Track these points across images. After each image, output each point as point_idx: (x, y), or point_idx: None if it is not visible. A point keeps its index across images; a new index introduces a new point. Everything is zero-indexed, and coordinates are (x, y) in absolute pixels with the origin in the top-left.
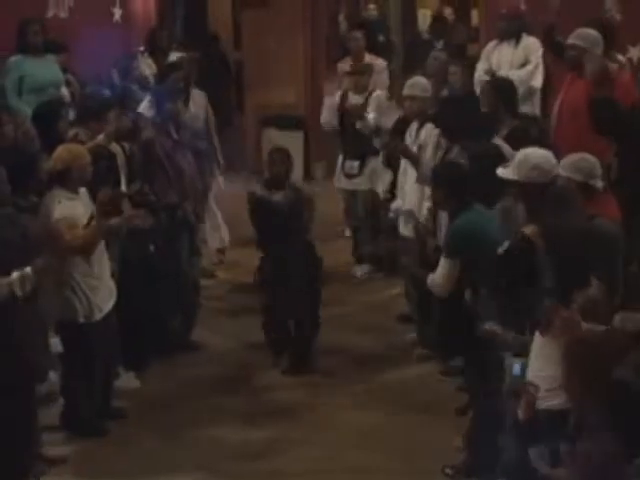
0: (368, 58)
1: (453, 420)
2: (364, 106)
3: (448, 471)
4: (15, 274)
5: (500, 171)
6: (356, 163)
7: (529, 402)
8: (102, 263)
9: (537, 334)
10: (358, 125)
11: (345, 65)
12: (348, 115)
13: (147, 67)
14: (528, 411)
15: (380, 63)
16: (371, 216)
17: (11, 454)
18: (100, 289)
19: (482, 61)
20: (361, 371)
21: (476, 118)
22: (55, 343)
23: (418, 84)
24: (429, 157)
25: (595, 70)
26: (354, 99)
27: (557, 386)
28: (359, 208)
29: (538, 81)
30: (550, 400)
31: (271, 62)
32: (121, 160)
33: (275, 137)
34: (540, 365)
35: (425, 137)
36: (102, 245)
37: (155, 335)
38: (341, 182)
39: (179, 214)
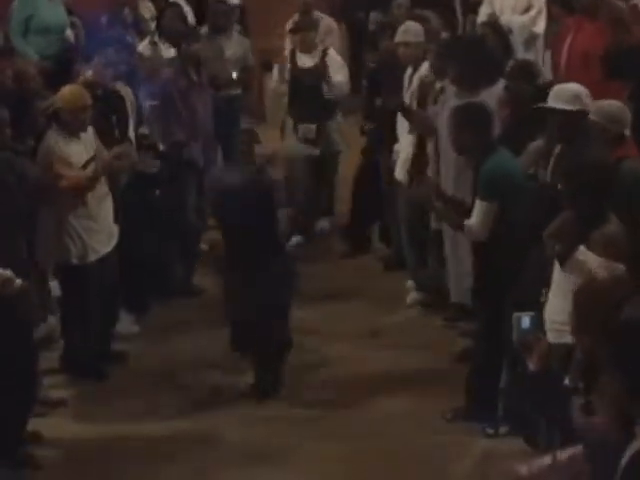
0: (317, 15)
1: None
2: (324, 67)
3: (448, 415)
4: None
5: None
6: (313, 126)
7: (541, 354)
8: (102, 206)
9: (557, 269)
10: (325, 89)
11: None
12: (301, 76)
13: (147, 11)
14: (540, 363)
15: (330, 23)
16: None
17: (12, 398)
18: (97, 231)
19: (485, 5)
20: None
21: (481, 62)
22: (54, 287)
23: (411, 30)
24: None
25: (613, 13)
26: (302, 59)
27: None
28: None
29: (540, 27)
30: (567, 335)
31: (273, 7)
32: (130, 102)
33: None
34: (559, 300)
35: (417, 83)
36: (104, 188)
37: (156, 279)
38: (294, 147)
39: (185, 154)
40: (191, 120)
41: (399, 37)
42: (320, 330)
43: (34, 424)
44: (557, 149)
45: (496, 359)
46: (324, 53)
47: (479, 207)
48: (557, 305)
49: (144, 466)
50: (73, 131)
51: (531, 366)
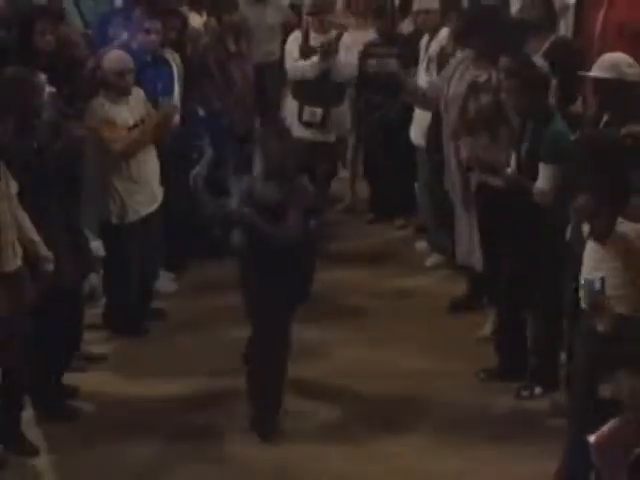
0: None
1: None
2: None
3: (482, 375)
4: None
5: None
6: (319, 110)
7: (611, 316)
8: (145, 167)
9: (592, 246)
10: (334, 72)
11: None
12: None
13: None
14: (610, 324)
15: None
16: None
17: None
18: (137, 192)
19: None
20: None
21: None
22: (98, 246)
23: None
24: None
25: None
26: (316, 39)
27: (615, 294)
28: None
29: None
30: (617, 307)
31: None
32: (177, 68)
33: None
34: (606, 274)
35: (435, 49)
36: (149, 149)
37: (194, 240)
38: (296, 131)
39: (224, 122)
40: (228, 90)
41: (417, 5)
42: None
43: (75, 378)
44: (605, 118)
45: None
46: (338, 36)
47: (545, 171)
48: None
49: (179, 421)
50: (119, 94)
51: (601, 327)
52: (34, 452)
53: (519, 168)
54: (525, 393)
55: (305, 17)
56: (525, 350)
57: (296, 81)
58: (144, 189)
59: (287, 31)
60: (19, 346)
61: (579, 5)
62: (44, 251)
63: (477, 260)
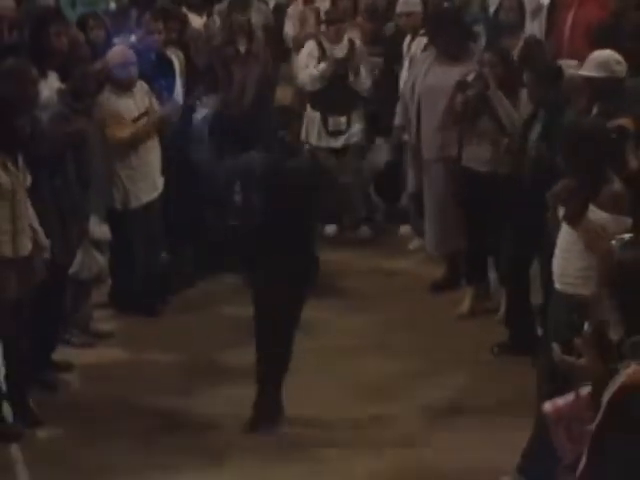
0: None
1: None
2: (354, 59)
3: (495, 350)
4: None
5: (585, 72)
6: (343, 119)
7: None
8: (147, 157)
9: (565, 230)
10: (352, 80)
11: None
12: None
13: None
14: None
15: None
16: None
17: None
18: (140, 180)
19: None
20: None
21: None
22: (105, 230)
23: (410, 1)
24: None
25: None
26: (330, 49)
27: (587, 275)
28: (351, 164)
29: None
30: (583, 288)
31: None
32: (180, 64)
33: None
34: (573, 258)
35: (416, 49)
36: (151, 141)
37: (192, 226)
38: (323, 141)
39: (225, 120)
40: (229, 89)
41: (401, 8)
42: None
43: (83, 354)
44: (594, 111)
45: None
46: (352, 44)
47: None
48: (571, 262)
49: (181, 393)
50: (123, 87)
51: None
52: (39, 423)
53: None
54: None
55: (320, 26)
56: (533, 324)
57: (314, 92)
58: (146, 177)
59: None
60: (21, 322)
61: (552, 5)
62: (44, 240)
63: (451, 245)
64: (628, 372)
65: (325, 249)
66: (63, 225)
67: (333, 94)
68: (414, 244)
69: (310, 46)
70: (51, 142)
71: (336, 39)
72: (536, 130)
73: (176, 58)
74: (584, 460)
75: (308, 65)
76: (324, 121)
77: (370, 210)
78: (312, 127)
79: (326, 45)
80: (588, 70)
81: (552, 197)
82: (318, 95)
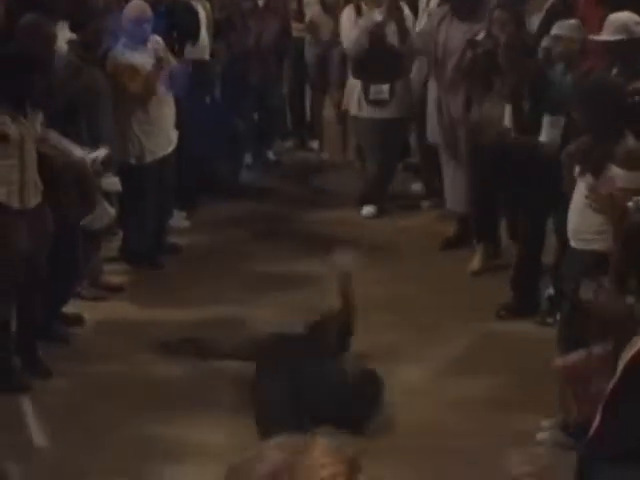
0: None
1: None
2: (402, 21)
3: (502, 313)
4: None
5: (604, 36)
6: (385, 87)
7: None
8: (161, 110)
9: (581, 185)
10: (399, 45)
11: None
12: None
13: None
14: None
15: None
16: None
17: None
18: (155, 135)
19: None
20: None
21: None
22: (116, 182)
23: None
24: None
25: None
26: (370, 13)
27: (603, 230)
28: (389, 140)
29: None
30: (598, 243)
31: None
32: (203, 17)
33: None
34: (587, 215)
35: (433, 4)
36: (165, 94)
37: (205, 179)
38: (364, 111)
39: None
40: (245, 41)
41: None
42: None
43: (94, 307)
44: (614, 72)
45: (538, 258)
46: (394, 4)
47: (553, 122)
48: (585, 219)
49: (187, 341)
50: (137, 41)
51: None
52: (49, 375)
53: (519, 124)
54: (550, 320)
55: None
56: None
57: (356, 59)
58: (160, 132)
59: None
60: (33, 275)
61: None
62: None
63: (463, 204)
64: None
65: (333, 205)
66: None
67: (375, 61)
68: (425, 203)
69: (348, 11)
70: (62, 95)
71: (376, 3)
72: (526, 103)
73: (202, 9)
74: (598, 418)
75: (346, 30)
76: (365, 89)
77: None
78: (352, 95)
79: (364, 9)
80: (607, 34)
81: (567, 155)
82: (358, 61)
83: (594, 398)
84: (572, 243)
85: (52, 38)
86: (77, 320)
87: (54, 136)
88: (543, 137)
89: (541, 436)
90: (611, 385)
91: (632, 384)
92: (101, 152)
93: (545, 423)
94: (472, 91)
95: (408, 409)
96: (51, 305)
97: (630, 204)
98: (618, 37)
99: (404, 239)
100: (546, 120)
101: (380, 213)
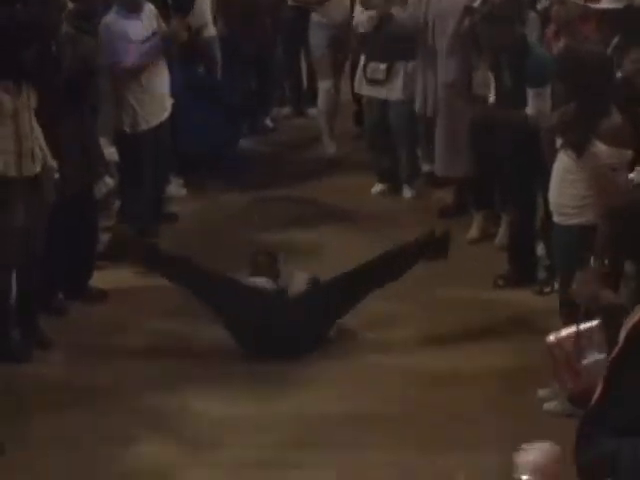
0: None
1: None
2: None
3: (500, 282)
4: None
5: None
6: (382, 66)
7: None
8: (155, 79)
9: (562, 159)
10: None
11: None
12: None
13: None
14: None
15: None
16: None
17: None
18: (149, 103)
19: None
20: None
21: None
22: (113, 153)
23: None
24: None
25: None
26: None
27: (584, 204)
28: (392, 121)
29: None
30: (580, 217)
31: None
32: None
33: None
34: (569, 187)
35: None
36: (159, 62)
37: (201, 147)
38: (362, 88)
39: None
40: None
41: None
42: None
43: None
44: (615, 41)
45: (531, 230)
46: None
47: (536, 95)
48: (567, 192)
49: (195, 316)
50: (131, 9)
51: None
52: (49, 344)
53: (501, 94)
54: (547, 289)
55: None
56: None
57: (360, 35)
58: (155, 100)
59: None
60: (33, 244)
61: None
62: (50, 161)
63: (456, 169)
64: None
65: (329, 173)
66: (84, 150)
67: (375, 38)
68: (423, 168)
69: None
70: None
71: None
72: (506, 75)
73: None
74: (600, 389)
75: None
76: (365, 66)
77: None
78: (358, 72)
79: None
80: (609, 2)
81: (547, 128)
82: (362, 39)
83: (583, 373)
84: (555, 218)
85: (61, 9)
86: (101, 295)
87: None
88: (529, 110)
89: (548, 406)
90: (612, 355)
91: (634, 353)
92: None
93: (541, 392)
94: (470, 58)
95: (403, 377)
96: (51, 276)
97: (631, 175)
98: (619, 5)
99: (401, 207)
100: (530, 92)
101: (390, 191)
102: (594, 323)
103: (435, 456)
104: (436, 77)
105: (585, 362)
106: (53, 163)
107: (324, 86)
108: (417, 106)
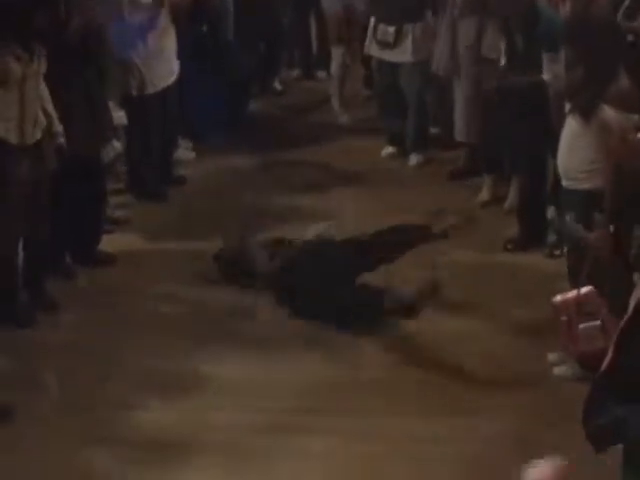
0: None
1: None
2: None
3: (509, 246)
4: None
5: None
6: (391, 29)
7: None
8: (162, 41)
9: (571, 123)
10: None
11: None
12: None
13: None
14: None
15: None
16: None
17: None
18: (155, 66)
19: None
20: None
21: None
22: (121, 116)
23: None
24: None
25: None
26: None
27: (593, 168)
28: (402, 84)
29: None
30: (588, 181)
31: None
32: None
33: None
34: (578, 152)
35: None
36: (166, 20)
37: (211, 110)
38: (372, 49)
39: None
40: None
41: None
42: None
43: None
44: (626, 2)
45: (541, 193)
46: None
47: (552, 60)
48: (575, 157)
49: (196, 271)
50: None
51: None
52: (56, 308)
53: (513, 58)
54: (557, 252)
55: None
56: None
57: None
58: (161, 63)
59: None
60: (40, 215)
61: None
62: (56, 127)
63: (470, 135)
64: None
65: (337, 136)
66: (92, 114)
67: (383, 0)
68: (432, 131)
69: None
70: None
71: None
72: (519, 39)
73: None
74: (609, 356)
75: None
76: (374, 29)
77: None
78: (368, 34)
79: None
80: None
81: (556, 92)
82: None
83: (581, 337)
84: (564, 183)
85: None
86: (110, 259)
87: None
88: (545, 74)
89: (558, 370)
90: (621, 324)
91: None
92: None
93: (551, 357)
94: (480, 22)
95: (412, 337)
96: (59, 240)
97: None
98: None
99: (411, 170)
100: (545, 57)
101: (399, 154)
102: (593, 289)
103: (441, 421)
104: (451, 39)
105: (581, 327)
106: (59, 128)
107: (337, 52)
108: (434, 66)
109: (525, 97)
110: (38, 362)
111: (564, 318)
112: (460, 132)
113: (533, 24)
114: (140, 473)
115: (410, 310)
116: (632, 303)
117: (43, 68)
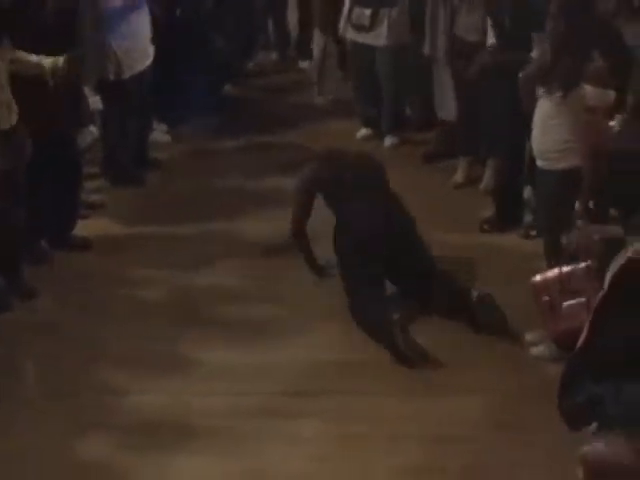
0: None
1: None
2: None
3: (485, 227)
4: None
5: None
6: (367, 12)
7: None
8: (138, 25)
9: (545, 104)
10: None
11: None
12: None
13: None
14: None
15: None
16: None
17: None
18: (132, 50)
19: None
20: None
21: None
22: (96, 100)
23: None
24: None
25: None
26: None
27: (567, 147)
28: (377, 67)
29: None
30: (563, 161)
31: None
32: None
33: None
34: (553, 132)
35: None
36: (141, 6)
37: (185, 94)
38: (347, 32)
39: None
40: None
41: None
42: None
43: (77, 225)
44: None
45: (518, 174)
46: None
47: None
48: (549, 137)
49: (177, 258)
50: None
51: None
52: (33, 294)
53: (502, 40)
54: (533, 232)
55: None
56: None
57: None
58: (137, 47)
59: None
60: (16, 199)
61: None
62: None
63: (448, 112)
64: (633, 249)
65: (323, 117)
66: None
67: None
68: (407, 112)
69: None
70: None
71: None
72: (507, 18)
73: None
74: (585, 332)
75: None
76: (349, 11)
77: None
78: (342, 16)
79: None
80: None
81: (526, 76)
82: None
83: (564, 315)
84: (539, 163)
85: None
86: (85, 243)
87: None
88: (535, 55)
89: (536, 351)
90: (597, 300)
91: (618, 299)
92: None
93: (529, 336)
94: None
95: None
96: (35, 225)
97: (612, 123)
98: None
99: (385, 152)
100: (535, 38)
101: (375, 136)
102: (577, 266)
103: (428, 401)
104: (441, 21)
105: (565, 305)
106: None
107: (319, 36)
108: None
109: (511, 77)
110: (19, 347)
111: (546, 298)
112: (442, 110)
113: (524, 5)
114: (133, 457)
115: None
116: (606, 281)
117: (11, 52)
